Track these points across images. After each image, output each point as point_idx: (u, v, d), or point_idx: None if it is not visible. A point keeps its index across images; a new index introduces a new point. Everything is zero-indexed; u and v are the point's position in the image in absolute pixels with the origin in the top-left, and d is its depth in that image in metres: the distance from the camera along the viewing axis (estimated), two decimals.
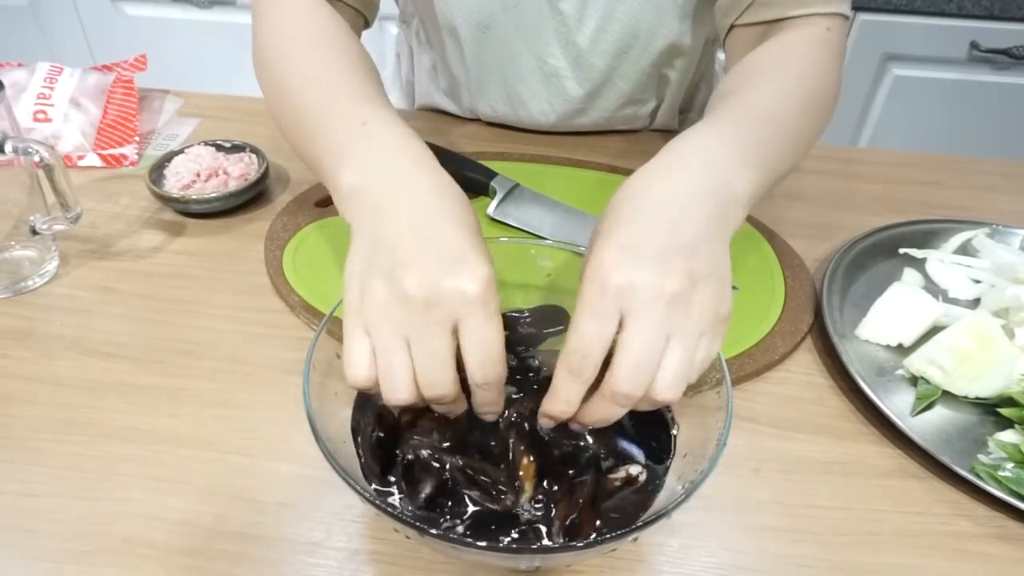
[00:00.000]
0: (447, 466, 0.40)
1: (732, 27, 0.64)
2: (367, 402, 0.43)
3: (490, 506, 0.39)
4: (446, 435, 0.42)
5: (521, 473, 0.40)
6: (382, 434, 0.41)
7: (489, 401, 0.40)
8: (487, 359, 0.38)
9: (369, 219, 0.42)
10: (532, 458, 0.40)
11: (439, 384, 0.38)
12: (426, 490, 0.39)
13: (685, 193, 0.41)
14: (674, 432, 0.43)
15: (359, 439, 0.41)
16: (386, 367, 0.38)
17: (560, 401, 0.39)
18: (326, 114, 0.50)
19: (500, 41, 0.77)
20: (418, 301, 0.37)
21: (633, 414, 0.41)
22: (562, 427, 0.42)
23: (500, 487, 0.39)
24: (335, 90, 0.52)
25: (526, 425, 0.42)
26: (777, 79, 0.54)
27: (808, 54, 0.57)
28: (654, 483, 0.41)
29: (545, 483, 0.40)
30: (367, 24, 0.69)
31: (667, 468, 0.41)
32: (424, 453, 0.41)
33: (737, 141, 0.46)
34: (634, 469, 0.41)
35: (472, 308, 0.37)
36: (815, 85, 0.55)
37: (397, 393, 0.38)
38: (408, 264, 0.38)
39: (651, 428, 0.43)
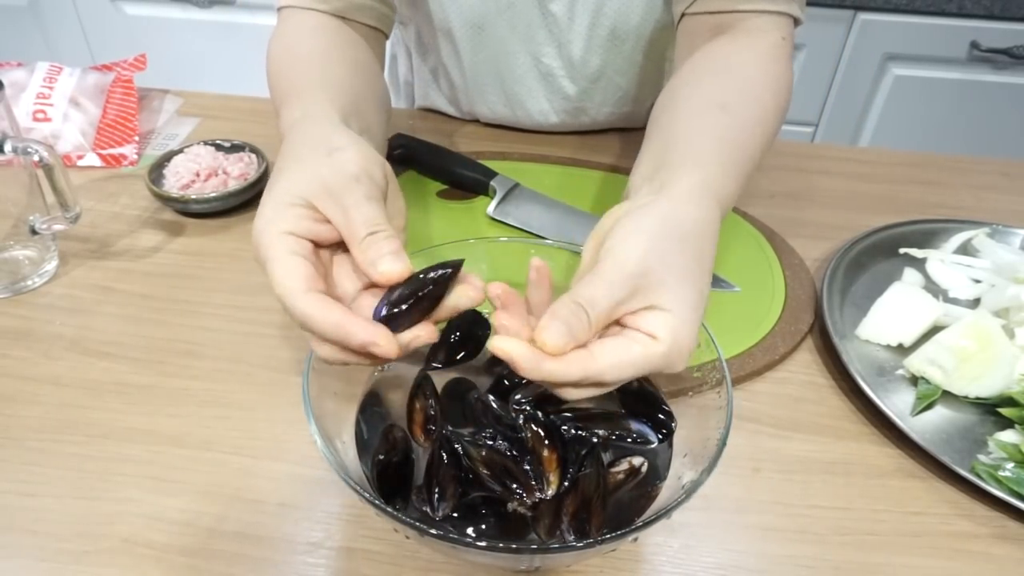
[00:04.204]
0: (468, 469, 0.39)
1: (683, 15, 0.65)
2: (375, 414, 0.42)
3: (514, 504, 0.38)
4: (467, 432, 0.41)
5: (544, 466, 0.39)
6: (382, 456, 0.40)
7: (334, 341, 0.38)
8: (284, 301, 0.38)
9: None
10: (553, 449, 0.39)
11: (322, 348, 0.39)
12: (449, 492, 0.38)
13: (700, 250, 0.41)
14: (668, 408, 0.43)
15: (365, 457, 0.41)
16: None
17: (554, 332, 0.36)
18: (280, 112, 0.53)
19: (495, 41, 0.77)
20: None
21: (624, 396, 0.42)
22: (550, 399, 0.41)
23: (525, 481, 0.38)
24: (291, 94, 0.53)
25: (539, 415, 0.41)
26: (750, 113, 0.54)
27: (771, 76, 0.57)
28: (656, 475, 0.41)
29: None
30: (386, 36, 0.69)
31: (670, 457, 0.41)
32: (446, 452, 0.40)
33: (724, 188, 0.47)
34: (636, 460, 0.41)
35: (261, 263, 0.40)
36: (778, 118, 0.56)
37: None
38: None
39: (645, 406, 0.43)
